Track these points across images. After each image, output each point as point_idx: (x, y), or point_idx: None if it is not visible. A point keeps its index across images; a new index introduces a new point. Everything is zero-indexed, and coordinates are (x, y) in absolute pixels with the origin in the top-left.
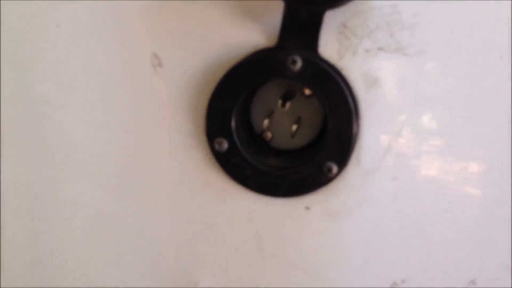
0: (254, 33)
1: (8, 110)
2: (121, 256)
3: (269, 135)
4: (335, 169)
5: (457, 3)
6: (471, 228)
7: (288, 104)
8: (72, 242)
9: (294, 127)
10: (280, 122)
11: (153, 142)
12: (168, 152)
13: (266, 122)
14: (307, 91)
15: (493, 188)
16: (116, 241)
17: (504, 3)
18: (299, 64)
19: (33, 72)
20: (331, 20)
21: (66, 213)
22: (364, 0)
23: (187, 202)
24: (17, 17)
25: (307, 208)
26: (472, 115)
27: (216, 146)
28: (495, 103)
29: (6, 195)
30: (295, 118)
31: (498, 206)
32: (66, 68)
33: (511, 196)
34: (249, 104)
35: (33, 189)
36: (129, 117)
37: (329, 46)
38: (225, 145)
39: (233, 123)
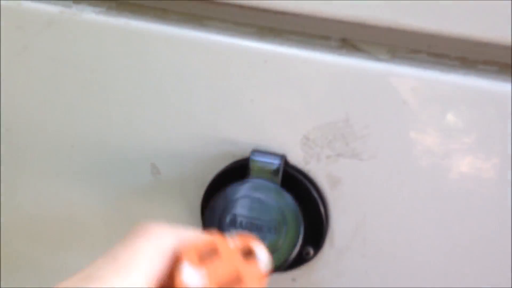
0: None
1: None
2: None
3: None
4: (311, 252)
5: (398, 118)
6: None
7: None
8: None
9: None
10: None
11: None
12: None
13: None
14: None
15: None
16: None
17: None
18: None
19: None
20: (295, 133)
21: None
22: (321, 116)
23: None
24: None
25: (293, 279)
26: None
27: None
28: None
29: None
30: None
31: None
32: None
33: None
34: None
35: None
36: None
37: (296, 154)
38: None
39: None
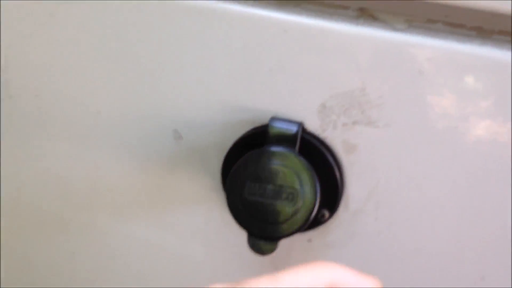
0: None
1: None
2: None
3: None
4: (327, 214)
5: (414, 87)
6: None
7: None
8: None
9: None
10: None
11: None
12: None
13: None
14: None
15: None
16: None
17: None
18: None
19: None
20: (312, 101)
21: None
22: (338, 84)
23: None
24: None
25: (309, 240)
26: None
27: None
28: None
29: None
30: None
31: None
32: None
33: None
34: None
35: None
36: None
37: (313, 122)
38: None
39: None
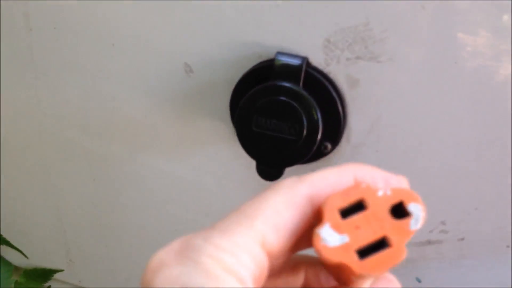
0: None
1: None
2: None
3: None
4: (329, 147)
5: (415, 21)
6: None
7: None
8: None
9: None
10: None
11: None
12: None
13: None
14: None
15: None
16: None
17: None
18: None
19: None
20: (317, 36)
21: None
22: (342, 19)
23: (215, 165)
24: None
25: (312, 171)
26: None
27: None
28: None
29: None
30: None
31: None
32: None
33: None
34: None
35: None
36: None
37: (317, 57)
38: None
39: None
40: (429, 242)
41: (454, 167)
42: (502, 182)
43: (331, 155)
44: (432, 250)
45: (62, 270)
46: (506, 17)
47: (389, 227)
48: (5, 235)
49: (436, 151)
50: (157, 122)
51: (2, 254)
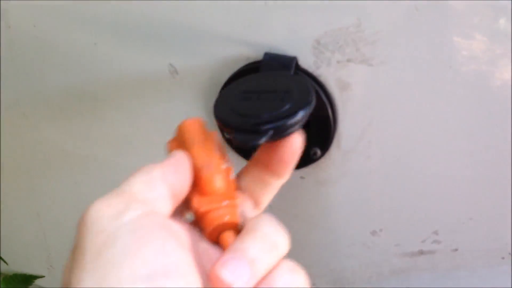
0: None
1: None
2: None
3: None
4: (318, 152)
5: (409, 23)
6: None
7: None
8: None
9: None
10: None
11: None
12: None
13: None
14: None
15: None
16: None
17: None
18: None
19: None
20: (306, 38)
21: None
22: (333, 20)
23: None
24: None
25: (301, 177)
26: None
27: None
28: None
29: None
30: None
31: None
32: None
33: None
34: None
35: None
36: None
37: (307, 59)
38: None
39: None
40: (421, 253)
41: (448, 174)
42: (499, 190)
43: (321, 161)
44: (425, 261)
45: (43, 276)
46: (502, 21)
47: None
48: None
49: (429, 158)
50: (140, 124)
51: None
